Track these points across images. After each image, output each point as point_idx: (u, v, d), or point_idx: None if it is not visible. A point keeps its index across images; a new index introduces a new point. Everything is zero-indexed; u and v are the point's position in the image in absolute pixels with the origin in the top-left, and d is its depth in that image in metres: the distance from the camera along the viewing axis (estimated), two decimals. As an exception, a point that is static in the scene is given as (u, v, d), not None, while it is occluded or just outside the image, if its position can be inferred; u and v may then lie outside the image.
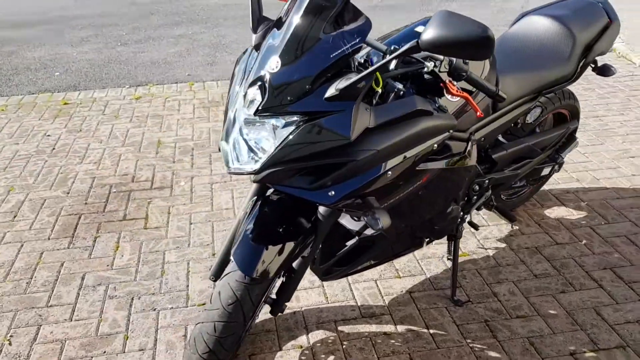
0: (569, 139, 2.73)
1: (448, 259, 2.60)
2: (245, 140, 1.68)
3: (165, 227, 3.01)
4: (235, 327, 1.78)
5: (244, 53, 1.88)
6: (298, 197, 1.88)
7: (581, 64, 2.48)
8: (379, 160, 1.67)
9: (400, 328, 2.31)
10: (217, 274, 2.06)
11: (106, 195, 3.30)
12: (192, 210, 3.15)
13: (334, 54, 1.60)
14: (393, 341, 2.24)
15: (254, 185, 1.92)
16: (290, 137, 1.60)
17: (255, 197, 1.92)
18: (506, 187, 2.61)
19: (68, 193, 3.32)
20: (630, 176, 3.34)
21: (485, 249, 2.76)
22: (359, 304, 2.43)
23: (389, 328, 2.31)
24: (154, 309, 2.45)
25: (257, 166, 1.65)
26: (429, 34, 1.42)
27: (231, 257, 1.81)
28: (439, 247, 2.75)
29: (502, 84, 2.22)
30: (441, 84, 1.79)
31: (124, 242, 2.89)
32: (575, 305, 2.40)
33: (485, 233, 2.86)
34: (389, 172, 1.72)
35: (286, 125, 1.62)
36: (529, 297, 2.45)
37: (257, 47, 1.79)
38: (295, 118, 1.61)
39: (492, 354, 2.17)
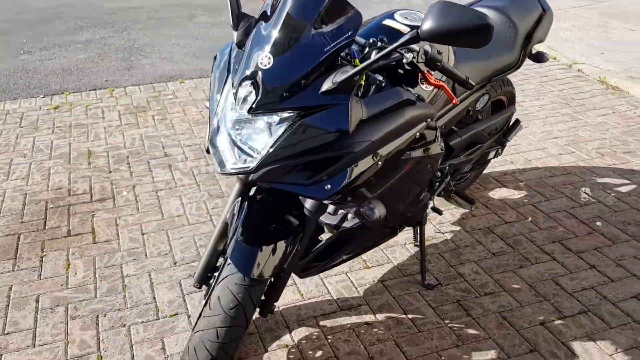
0: (514, 123, 2.90)
1: (415, 245, 2.68)
2: (236, 140, 1.65)
3: (116, 239, 2.87)
4: (238, 331, 1.74)
5: (224, 51, 1.83)
6: (282, 195, 1.87)
7: (523, 51, 2.64)
8: (372, 151, 1.70)
9: (380, 316, 2.35)
10: (201, 280, 2.00)
11: (43, 212, 3.08)
12: (142, 220, 3.02)
13: (327, 48, 1.60)
14: (376, 330, 2.28)
15: (237, 186, 1.88)
16: (287, 133, 1.59)
17: (240, 198, 1.88)
18: (460, 173, 2.73)
19: (-1, 213, 3.08)
20: (558, 155, 3.60)
21: (443, 233, 2.87)
22: (335, 298, 2.45)
23: (369, 318, 2.35)
24: (124, 325, 2.33)
25: (254, 164, 1.62)
26: (429, 24, 1.46)
27: (227, 261, 1.76)
28: (400, 235, 2.82)
29: (460, 72, 2.31)
30: (420, 74, 1.84)
31: (74, 259, 2.72)
32: (535, 278, 2.55)
33: (439, 218, 2.97)
34: (379, 162, 1.76)
35: (281, 121, 1.60)
36: (492, 275, 2.58)
37: (239, 45, 1.76)
38: (290, 114, 1.60)
39: (471, 331, 2.27)
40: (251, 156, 1.64)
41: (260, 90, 1.58)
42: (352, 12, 1.66)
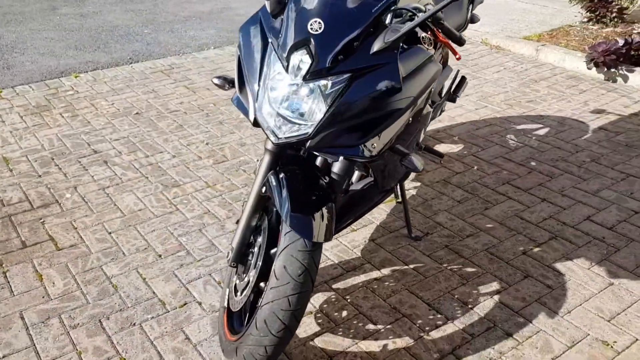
0: (461, 80, 3.14)
1: (398, 202, 2.82)
2: (288, 109, 1.66)
3: (82, 243, 2.67)
4: (307, 296, 1.76)
5: (249, 25, 1.81)
6: (309, 164, 1.91)
7: (468, 13, 2.87)
8: (412, 106, 1.80)
9: (385, 271, 2.47)
10: (239, 259, 1.98)
11: (-18, 227, 2.77)
12: (101, 219, 2.84)
13: (375, 9, 1.66)
14: (387, 283, 2.40)
15: (266, 159, 1.87)
16: (343, 96, 1.63)
17: (272, 170, 1.88)
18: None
19: None
20: (475, 110, 3.95)
21: (407, 190, 3.05)
22: (337, 262, 2.53)
23: (376, 274, 2.46)
24: (134, 324, 2.21)
25: (311, 130, 1.65)
26: None
27: (284, 231, 1.76)
28: (372, 197, 2.95)
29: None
30: (429, 32, 1.97)
31: (44, 270, 2.49)
32: (502, 217, 2.83)
33: (399, 177, 3.15)
34: (411, 118, 1.86)
35: (334, 85, 1.64)
36: (465, 219, 2.81)
37: (274, 14, 1.75)
38: (343, 76, 1.64)
39: (469, 269, 2.48)
40: (304, 123, 1.66)
41: (315, 56, 1.61)
42: None
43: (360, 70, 1.66)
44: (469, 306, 2.28)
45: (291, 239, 1.75)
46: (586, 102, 4.06)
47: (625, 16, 5.06)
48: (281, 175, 1.84)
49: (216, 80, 2.08)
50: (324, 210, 1.80)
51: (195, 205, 2.95)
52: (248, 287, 1.90)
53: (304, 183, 1.87)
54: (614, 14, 4.97)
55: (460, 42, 2.04)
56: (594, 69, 4.33)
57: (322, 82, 1.63)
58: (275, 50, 1.71)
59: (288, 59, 1.65)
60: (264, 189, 1.88)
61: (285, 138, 1.68)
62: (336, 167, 1.91)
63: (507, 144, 3.50)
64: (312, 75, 1.62)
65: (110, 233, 2.74)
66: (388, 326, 2.19)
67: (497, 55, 4.96)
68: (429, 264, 2.51)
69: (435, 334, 2.16)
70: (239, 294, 1.97)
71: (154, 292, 2.37)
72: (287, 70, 1.66)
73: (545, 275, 2.43)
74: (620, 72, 4.25)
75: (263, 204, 1.96)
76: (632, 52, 4.23)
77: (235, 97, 1.89)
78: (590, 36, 4.91)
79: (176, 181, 3.16)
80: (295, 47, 1.63)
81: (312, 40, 1.61)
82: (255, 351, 1.78)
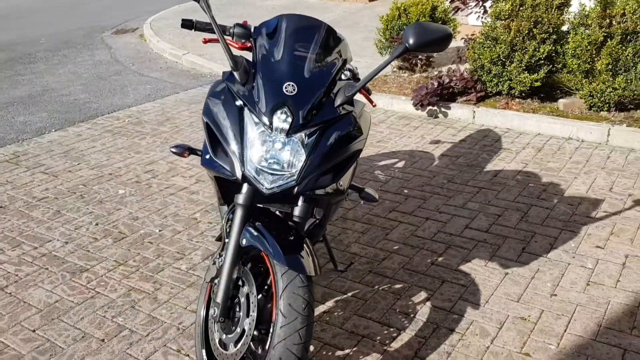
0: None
1: (320, 241, 3.06)
2: (273, 161, 1.88)
3: (7, 347, 2.47)
4: (312, 327, 1.92)
5: (218, 93, 1.99)
6: (271, 213, 2.14)
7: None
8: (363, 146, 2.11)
9: (330, 304, 2.70)
10: (227, 313, 2.06)
11: None
12: (16, 320, 2.64)
13: (332, 70, 1.97)
14: (336, 313, 2.63)
15: (239, 214, 2.03)
16: (318, 144, 1.90)
17: (245, 224, 2.04)
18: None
19: None
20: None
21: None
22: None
23: (323, 308, 2.67)
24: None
25: (296, 177, 1.88)
26: (414, 40, 1.93)
27: (279, 274, 1.92)
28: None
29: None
30: (362, 90, 2.32)
31: (-24, 384, 2.27)
32: (402, 238, 3.24)
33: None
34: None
35: (309, 136, 1.91)
36: (375, 246, 3.17)
37: (243, 82, 1.95)
38: (316, 128, 1.91)
39: (397, 286, 2.82)
40: (289, 172, 1.89)
41: (294, 114, 1.85)
42: (340, 39, 2.05)
43: (329, 121, 1.93)
44: (411, 315, 2.61)
45: (289, 278, 1.92)
46: (422, 135, 4.76)
47: (431, 62, 6.02)
48: (257, 225, 2.02)
49: (174, 150, 2.18)
50: (305, 247, 2.01)
51: (114, 285, 2.88)
52: (246, 336, 2.00)
53: (279, 228, 2.06)
54: (423, 62, 5.89)
55: (369, 95, 2.44)
56: (420, 109, 5.10)
57: (301, 135, 1.88)
58: (253, 113, 1.91)
59: (271, 119, 1.86)
60: (244, 242, 2.02)
61: (277, 187, 1.88)
62: (297, 211, 2.13)
63: (379, 179, 3.99)
64: (293, 130, 1.86)
65: (34, 331, 2.57)
66: (354, 348, 2.42)
67: (334, 106, 5.54)
68: (363, 288, 2.80)
69: (395, 345, 2.44)
70: (231, 347, 2.05)
71: (115, 375, 2.30)
72: (271, 129, 1.87)
73: (456, 278, 2.87)
74: (441, 109, 5.07)
75: (240, 257, 2.09)
76: (444, 91, 5.08)
77: (206, 160, 2.02)
78: (405, 82, 5.74)
79: (82, 266, 3.04)
80: (275, 108, 1.86)
81: (289, 100, 1.86)
82: (272, 392, 1.88)
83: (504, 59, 4.92)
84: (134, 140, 4.82)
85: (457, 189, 3.79)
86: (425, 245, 3.17)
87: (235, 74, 1.99)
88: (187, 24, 2.16)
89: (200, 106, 5.54)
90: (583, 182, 3.83)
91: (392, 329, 2.52)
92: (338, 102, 1.97)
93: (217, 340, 2.12)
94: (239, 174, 1.93)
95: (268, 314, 2.01)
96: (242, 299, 2.07)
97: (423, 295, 2.75)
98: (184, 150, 2.19)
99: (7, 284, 2.90)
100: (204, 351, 2.19)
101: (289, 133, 1.87)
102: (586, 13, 4.71)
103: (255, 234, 2.01)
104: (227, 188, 2.22)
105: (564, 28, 4.91)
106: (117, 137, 4.90)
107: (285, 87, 1.89)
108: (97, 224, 3.46)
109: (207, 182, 3.97)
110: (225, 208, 2.52)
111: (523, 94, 5.02)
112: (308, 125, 1.89)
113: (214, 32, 2.17)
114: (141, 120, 5.30)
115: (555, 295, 2.71)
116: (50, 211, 3.63)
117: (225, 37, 2.17)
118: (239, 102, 1.96)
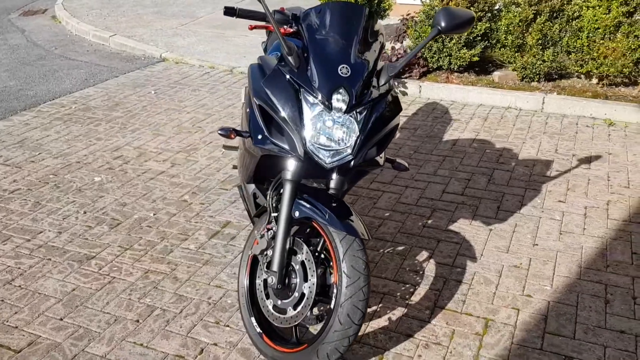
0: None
1: None
2: (331, 138, 2.05)
3: (40, 337, 2.47)
4: (370, 284, 2.13)
5: (273, 76, 2.12)
6: (311, 186, 2.32)
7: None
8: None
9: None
10: (281, 281, 2.21)
11: None
12: (38, 311, 2.63)
13: (376, 52, 2.15)
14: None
15: (289, 189, 2.19)
16: (370, 120, 2.09)
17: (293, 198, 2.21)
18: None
19: None
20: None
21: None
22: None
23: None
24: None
25: (353, 151, 2.06)
26: (447, 23, 2.15)
27: (337, 239, 2.10)
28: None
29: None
30: None
31: (23, 374, 2.27)
32: (389, 206, 3.50)
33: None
34: None
35: (361, 113, 2.09)
36: (368, 214, 3.40)
37: (298, 68, 2.09)
38: (365, 107, 2.10)
39: (399, 248, 3.08)
40: (345, 147, 2.07)
41: (350, 94, 2.03)
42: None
43: (375, 99, 2.12)
44: (420, 272, 2.88)
45: (348, 242, 2.11)
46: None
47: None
48: (306, 197, 2.19)
49: (221, 132, 2.28)
50: (354, 213, 2.20)
51: (129, 268, 2.92)
52: (307, 299, 2.16)
53: (325, 199, 2.24)
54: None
55: None
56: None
57: (354, 113, 2.06)
58: (311, 94, 2.05)
59: (330, 100, 2.02)
60: (296, 214, 2.18)
61: (335, 162, 2.05)
62: (333, 184, 2.32)
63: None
64: (349, 109, 2.04)
65: (61, 319, 2.57)
66: (380, 305, 2.65)
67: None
68: (370, 253, 3.03)
69: (415, 298, 2.70)
70: (290, 310, 2.21)
71: (164, 352, 2.38)
72: (329, 108, 2.03)
73: (449, 237, 3.18)
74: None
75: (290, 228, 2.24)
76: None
77: (259, 139, 2.15)
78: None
79: (86, 254, 3.03)
80: (334, 90, 2.02)
81: (345, 81, 2.03)
82: (340, 344, 2.08)
83: (444, 36, 5.28)
84: (90, 127, 4.71)
85: (424, 159, 4.10)
86: (412, 210, 3.45)
87: (290, 58, 2.11)
88: (230, 12, 2.24)
89: (146, 89, 5.51)
90: (531, 145, 4.28)
91: (407, 285, 2.78)
92: (382, 81, 2.16)
93: (270, 307, 2.27)
94: (300, 151, 2.08)
95: (319, 278, 2.19)
96: (297, 266, 2.23)
97: (425, 254, 3.03)
98: (230, 132, 2.29)
99: (13, 277, 2.85)
100: (252, 319, 2.33)
101: (346, 111, 2.05)
102: (516, -8, 5.16)
103: (308, 205, 2.17)
104: (262, 167, 2.36)
105: (497, 6, 5.34)
106: (69, 124, 4.76)
107: (340, 70, 2.05)
108: (85, 212, 3.43)
109: (185, 165, 4.01)
110: (251, 186, 2.65)
111: (461, 68, 5.42)
112: (361, 103, 2.07)
113: (255, 19, 2.29)
114: (89, 106, 5.15)
115: (537, 244, 3.09)
116: (28, 203, 3.53)
117: (265, 22, 2.28)
118: (293, 85, 2.10)
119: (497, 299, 2.69)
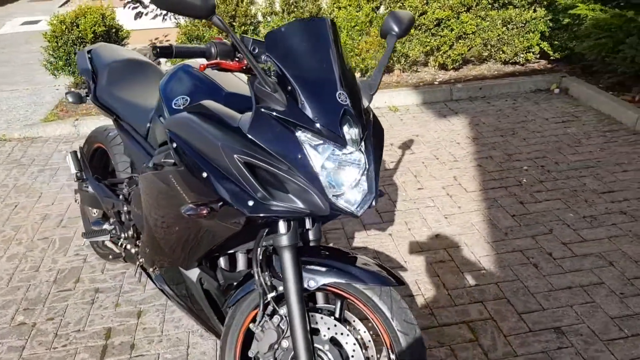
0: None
1: None
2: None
3: None
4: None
5: (256, 119, 1.61)
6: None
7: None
8: None
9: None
10: None
11: None
12: None
13: (350, 68, 1.80)
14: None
15: (289, 256, 1.76)
16: (371, 147, 1.75)
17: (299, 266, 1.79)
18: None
19: None
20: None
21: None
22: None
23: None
24: None
25: (374, 190, 1.72)
26: (400, 27, 1.89)
27: (377, 296, 1.75)
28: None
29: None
30: None
31: None
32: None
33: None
34: None
35: (365, 141, 1.73)
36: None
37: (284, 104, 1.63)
38: (367, 134, 1.74)
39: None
40: (367, 182, 1.70)
41: (359, 124, 1.66)
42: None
43: (369, 122, 1.78)
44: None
45: (387, 295, 1.79)
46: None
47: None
48: (312, 260, 1.81)
49: (190, 212, 1.68)
50: (368, 259, 1.88)
51: None
52: None
53: (330, 255, 1.86)
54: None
55: None
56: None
57: (363, 144, 1.70)
58: (315, 133, 1.61)
59: (342, 134, 1.62)
60: (311, 284, 1.76)
61: (366, 208, 1.68)
62: (312, 234, 1.94)
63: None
64: (361, 140, 1.68)
65: None
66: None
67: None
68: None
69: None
70: None
71: None
72: (344, 145, 1.63)
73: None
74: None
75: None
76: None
77: (253, 207, 1.63)
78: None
79: None
80: (343, 122, 1.63)
81: (349, 110, 1.65)
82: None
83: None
84: None
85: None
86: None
87: (277, 95, 1.63)
88: (165, 52, 1.64)
89: None
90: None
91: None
92: (365, 103, 1.82)
93: None
94: (325, 205, 1.63)
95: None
96: (326, 347, 1.80)
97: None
98: (202, 209, 1.69)
99: None
100: None
101: (359, 144, 1.67)
102: (273, 3, 5.15)
103: (323, 269, 1.77)
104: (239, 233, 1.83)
105: (259, 17, 5.25)
106: None
107: (339, 97, 1.66)
108: None
109: None
110: (196, 272, 2.08)
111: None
112: (368, 133, 1.72)
113: (194, 57, 1.75)
114: None
115: (438, 234, 3.12)
116: None
117: (216, 60, 1.71)
118: (289, 127, 1.63)
119: (456, 298, 2.62)
